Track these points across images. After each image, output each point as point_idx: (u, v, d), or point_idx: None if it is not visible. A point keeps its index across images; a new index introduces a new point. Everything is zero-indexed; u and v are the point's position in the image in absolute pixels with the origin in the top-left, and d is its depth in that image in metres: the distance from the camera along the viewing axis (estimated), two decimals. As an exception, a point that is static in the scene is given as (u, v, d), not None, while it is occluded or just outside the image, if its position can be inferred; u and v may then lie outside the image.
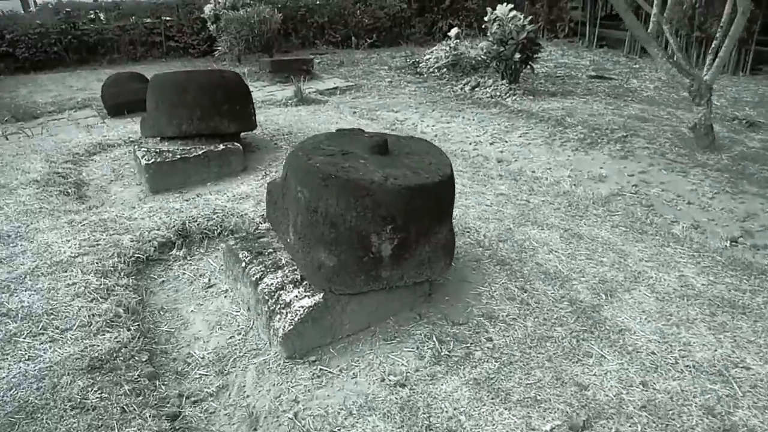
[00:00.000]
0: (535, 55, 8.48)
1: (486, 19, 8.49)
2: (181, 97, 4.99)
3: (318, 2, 14.04)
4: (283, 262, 3.03)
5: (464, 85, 8.90)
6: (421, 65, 10.44)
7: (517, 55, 8.28)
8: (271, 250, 3.15)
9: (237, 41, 10.21)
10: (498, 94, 8.26)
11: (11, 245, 3.52)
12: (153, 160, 4.70)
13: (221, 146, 4.99)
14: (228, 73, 5.22)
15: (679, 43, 9.69)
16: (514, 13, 8.15)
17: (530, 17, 8.27)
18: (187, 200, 4.32)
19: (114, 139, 6.09)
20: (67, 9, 12.46)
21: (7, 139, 7.13)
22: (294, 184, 2.79)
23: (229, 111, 5.14)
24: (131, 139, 6.11)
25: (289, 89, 9.32)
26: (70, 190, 4.63)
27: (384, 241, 2.65)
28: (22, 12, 14.66)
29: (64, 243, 3.53)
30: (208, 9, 12.24)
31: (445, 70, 10.09)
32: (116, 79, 8.53)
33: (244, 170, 5.09)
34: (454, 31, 10.38)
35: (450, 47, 10.29)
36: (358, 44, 13.75)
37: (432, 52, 10.46)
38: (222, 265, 3.43)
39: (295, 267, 2.95)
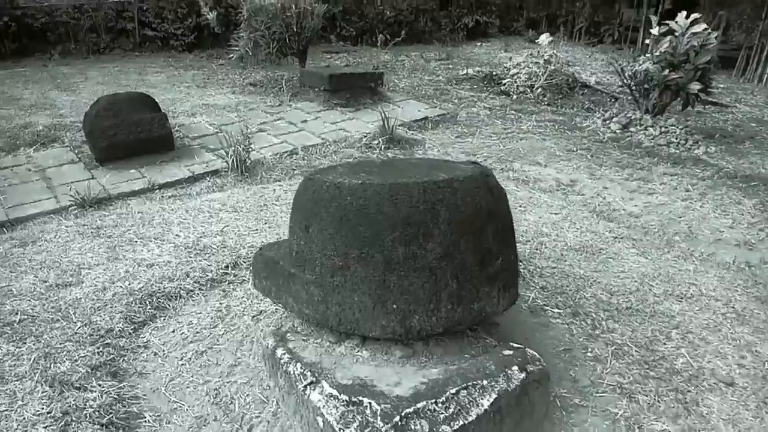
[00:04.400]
0: (711, 86, 5.81)
1: (653, 32, 5.68)
2: (415, 247, 1.89)
3: (327, -14, 10.61)
4: None
5: (605, 120, 6.09)
6: (505, 81, 7.50)
7: (696, 86, 5.58)
8: None
9: (267, 41, 6.84)
10: (675, 140, 5.53)
11: None
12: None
13: (516, 371, 1.93)
14: (488, 174, 2.12)
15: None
16: (703, 26, 5.40)
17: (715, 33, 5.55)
18: None
19: (176, 275, 2.80)
20: (2, -21, 8.39)
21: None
22: None
23: (501, 269, 2.09)
24: (207, 274, 2.84)
25: (360, 119, 6.14)
26: None
27: None
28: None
29: None
30: (203, -10, 8.62)
31: (540, 90, 7.23)
32: (111, 104, 5.03)
33: (545, 416, 2.07)
34: (545, 38, 7.51)
35: (543, 60, 7.42)
36: (385, 41, 10.52)
37: (519, 65, 7.54)
38: None
39: None
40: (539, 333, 2.46)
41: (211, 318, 2.51)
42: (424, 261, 1.91)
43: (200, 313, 2.56)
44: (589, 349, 2.37)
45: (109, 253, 3.03)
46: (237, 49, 7.25)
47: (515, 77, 7.42)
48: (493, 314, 2.11)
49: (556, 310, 2.59)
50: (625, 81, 6.17)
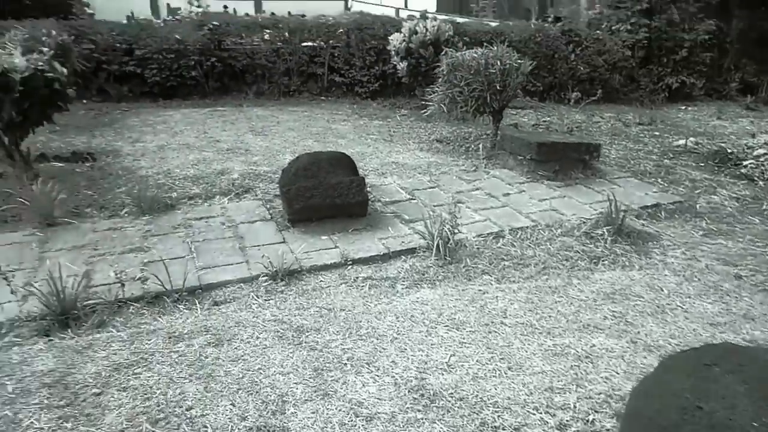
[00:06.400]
0: None
1: None
2: None
3: (515, 36, 9.81)
4: None
5: None
6: (747, 163, 6.05)
7: None
8: None
9: (465, 97, 6.21)
10: None
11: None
12: None
13: None
14: None
15: None
16: None
17: None
18: None
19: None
20: (214, 22, 8.77)
21: (125, 305, 3.25)
22: None
23: None
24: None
25: (573, 198, 5.16)
26: None
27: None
28: (153, 19, 11.20)
29: None
30: (396, 39, 8.28)
31: (796, 178, 5.67)
32: (311, 164, 4.61)
33: None
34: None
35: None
36: (578, 99, 9.45)
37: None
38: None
39: None
40: None
41: None
42: None
43: None
44: None
45: (316, 381, 2.36)
46: (431, 104, 6.69)
47: (763, 160, 5.95)
48: None
49: None
50: None
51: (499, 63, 6.24)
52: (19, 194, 4.53)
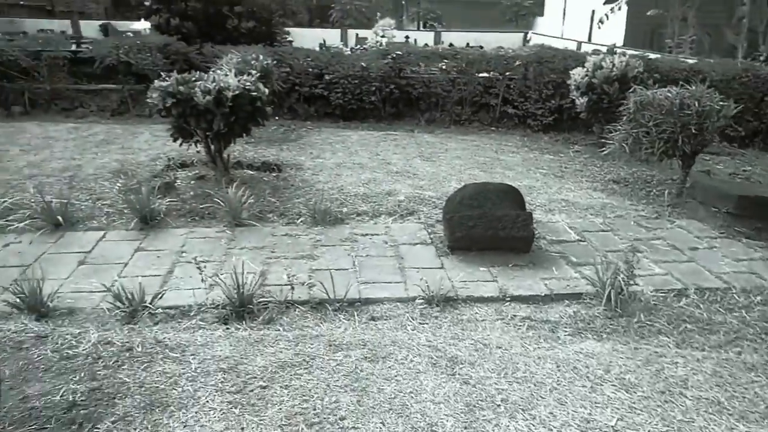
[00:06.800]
0: None
1: None
2: None
3: (716, 75, 8.78)
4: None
5: None
6: None
7: None
8: None
9: (651, 138, 5.72)
10: None
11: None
12: None
13: None
14: None
15: None
16: None
17: None
18: None
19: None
20: (397, 52, 9.22)
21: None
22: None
23: None
24: None
25: (781, 262, 4.42)
26: None
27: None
28: (342, 47, 12.17)
29: None
30: (578, 74, 7.92)
31: None
32: (477, 193, 4.57)
33: None
34: None
35: None
36: (791, 151, 8.21)
37: None
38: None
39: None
40: None
41: None
42: None
43: None
44: None
45: (467, 417, 2.28)
46: (611, 142, 6.26)
47: None
48: None
49: None
50: None
51: (696, 104, 5.64)
52: (216, 195, 5.15)
